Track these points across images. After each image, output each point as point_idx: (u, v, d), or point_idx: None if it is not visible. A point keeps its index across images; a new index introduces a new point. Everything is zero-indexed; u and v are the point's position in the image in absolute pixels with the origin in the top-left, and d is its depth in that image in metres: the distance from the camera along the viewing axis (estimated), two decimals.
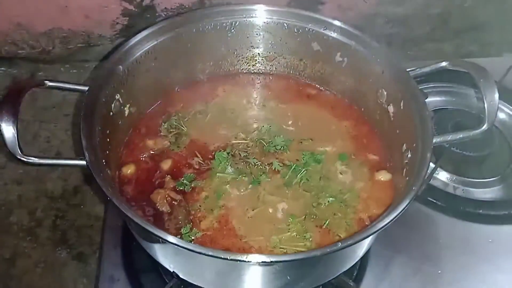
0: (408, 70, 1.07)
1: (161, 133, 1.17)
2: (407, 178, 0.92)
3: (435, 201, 1.24)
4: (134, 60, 1.11)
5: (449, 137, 0.99)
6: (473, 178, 1.35)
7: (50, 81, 1.01)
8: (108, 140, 1.03)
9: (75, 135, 1.73)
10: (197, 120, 1.21)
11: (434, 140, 0.96)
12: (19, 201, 1.59)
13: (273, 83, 1.31)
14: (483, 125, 0.97)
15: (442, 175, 1.34)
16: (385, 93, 1.12)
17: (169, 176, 1.08)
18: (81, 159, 0.90)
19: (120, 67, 1.08)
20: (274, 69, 1.31)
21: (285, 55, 1.27)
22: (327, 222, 1.01)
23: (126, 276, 1.09)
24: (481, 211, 1.25)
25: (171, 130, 1.18)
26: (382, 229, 0.82)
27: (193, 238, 0.97)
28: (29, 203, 1.59)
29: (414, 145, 0.98)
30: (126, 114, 1.13)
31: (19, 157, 0.88)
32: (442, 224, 1.22)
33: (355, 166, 1.13)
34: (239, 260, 0.77)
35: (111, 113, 1.06)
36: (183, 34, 1.18)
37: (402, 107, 1.06)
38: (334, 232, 1.00)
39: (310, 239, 0.98)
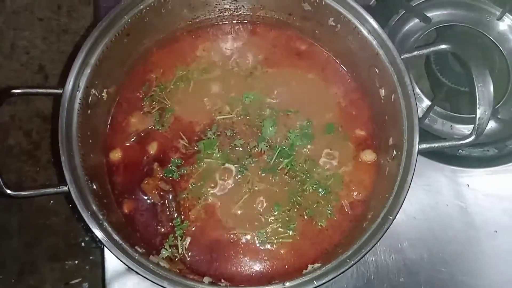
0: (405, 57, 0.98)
1: (144, 109, 1.13)
2: (386, 195, 0.95)
3: None
4: (104, 48, 1.00)
5: (435, 145, 0.98)
6: (463, 114, 1.34)
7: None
8: (90, 141, 1.02)
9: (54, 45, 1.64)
10: (180, 91, 1.15)
11: (418, 147, 0.96)
12: (13, 122, 1.62)
13: (259, 35, 1.19)
14: (471, 136, 0.95)
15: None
16: (378, 72, 1.04)
17: (156, 163, 1.09)
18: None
19: (92, 60, 0.98)
20: (261, 18, 1.17)
21: (273, 8, 1.13)
22: (310, 211, 1.07)
23: None
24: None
25: (154, 104, 1.13)
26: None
27: (184, 231, 1.06)
28: (23, 124, 1.62)
29: (399, 151, 0.98)
30: (105, 98, 1.08)
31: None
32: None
33: (341, 142, 1.12)
34: None
35: (89, 111, 1.02)
36: (155, 3, 1.03)
37: (392, 100, 1.01)
38: (317, 221, 1.07)
39: (294, 231, 1.06)
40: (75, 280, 1.44)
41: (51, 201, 1.54)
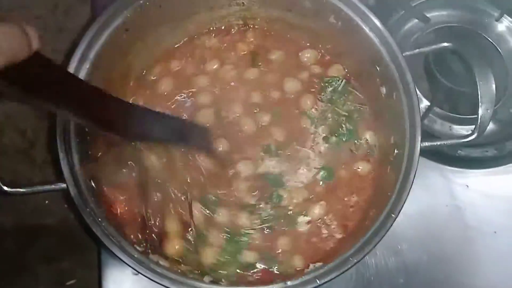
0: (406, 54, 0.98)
1: None
2: (389, 193, 0.94)
3: None
4: (103, 42, 0.99)
5: (437, 143, 0.98)
6: (462, 115, 1.34)
7: None
8: (88, 138, 1.01)
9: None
10: None
11: (421, 145, 0.96)
12: (7, 121, 1.59)
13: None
14: (473, 134, 0.95)
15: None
16: (379, 70, 1.04)
17: None
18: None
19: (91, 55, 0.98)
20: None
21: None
22: None
23: None
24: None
25: None
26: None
27: None
28: (18, 123, 1.59)
29: (401, 149, 0.97)
30: None
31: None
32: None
33: None
34: None
35: None
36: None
37: (394, 98, 1.00)
38: None
39: None
40: (71, 281, 1.41)
41: (46, 201, 1.51)
